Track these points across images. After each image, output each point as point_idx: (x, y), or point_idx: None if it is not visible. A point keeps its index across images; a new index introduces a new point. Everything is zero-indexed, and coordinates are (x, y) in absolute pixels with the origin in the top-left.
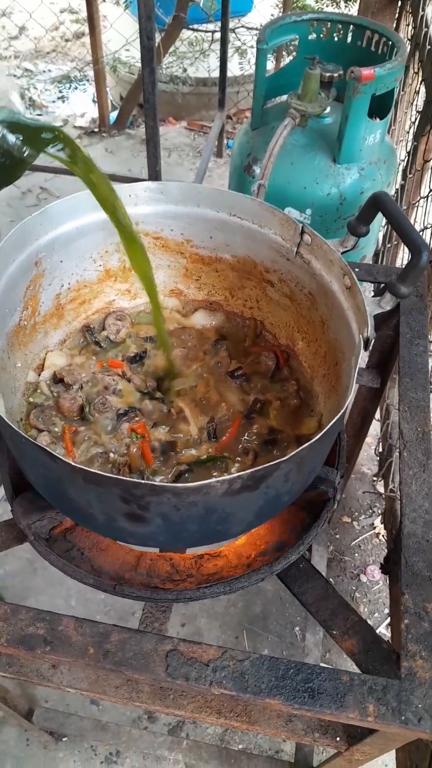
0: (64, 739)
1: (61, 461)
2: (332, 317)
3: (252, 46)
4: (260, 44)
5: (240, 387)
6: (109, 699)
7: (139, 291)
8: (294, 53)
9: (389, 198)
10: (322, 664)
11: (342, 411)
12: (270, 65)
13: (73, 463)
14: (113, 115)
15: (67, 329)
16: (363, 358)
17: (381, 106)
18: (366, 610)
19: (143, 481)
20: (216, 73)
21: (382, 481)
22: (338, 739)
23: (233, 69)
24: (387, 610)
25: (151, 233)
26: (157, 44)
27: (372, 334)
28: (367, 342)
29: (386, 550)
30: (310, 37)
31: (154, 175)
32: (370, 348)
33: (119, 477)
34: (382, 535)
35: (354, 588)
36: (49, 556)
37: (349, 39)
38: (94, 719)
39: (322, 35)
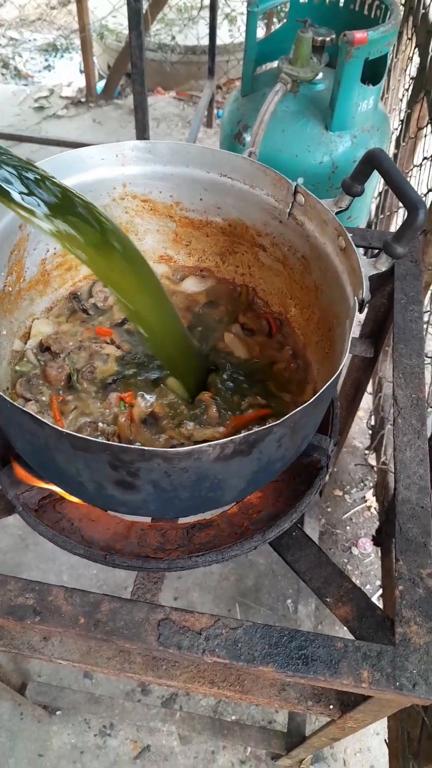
0: (58, 712)
1: (48, 427)
2: (326, 281)
3: (242, 13)
4: (251, 7)
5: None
6: (101, 670)
7: None
8: (285, 19)
9: (384, 155)
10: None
11: (336, 374)
12: (261, 32)
13: (60, 429)
14: (100, 85)
15: (53, 296)
16: (357, 326)
17: (374, 72)
18: (358, 582)
19: (132, 446)
20: (205, 41)
21: (374, 454)
22: (331, 707)
23: (223, 36)
24: (379, 582)
25: (139, 195)
26: (144, 11)
27: (367, 295)
28: (362, 304)
29: (378, 523)
30: (301, 1)
31: None
32: (365, 313)
33: (107, 442)
34: (374, 508)
35: (346, 561)
36: (38, 527)
37: (341, 2)
38: (87, 692)
39: None
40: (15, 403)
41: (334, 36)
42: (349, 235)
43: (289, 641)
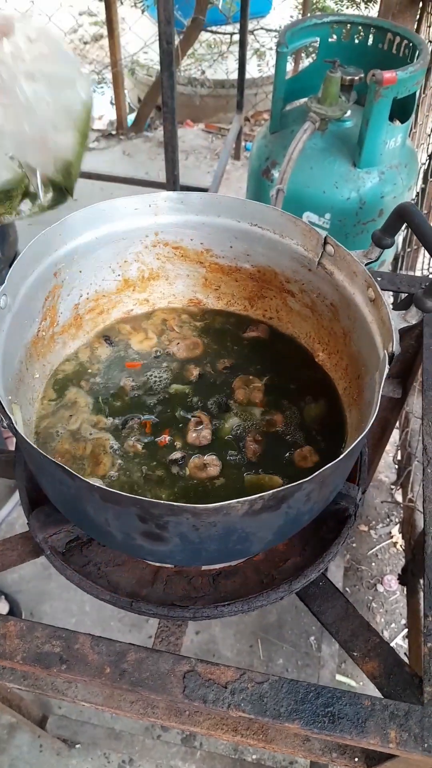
0: (77, 746)
1: (78, 479)
2: (355, 329)
3: (271, 48)
4: (280, 47)
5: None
6: (124, 714)
7: (157, 300)
8: (313, 55)
9: (415, 209)
10: (338, 677)
11: (366, 430)
12: (289, 67)
13: (90, 482)
14: (131, 118)
15: (85, 339)
16: None
17: (402, 109)
18: (383, 620)
19: (161, 501)
20: (234, 75)
21: (400, 490)
22: (356, 759)
23: (251, 71)
24: (404, 621)
25: (171, 243)
26: (175, 47)
27: (397, 349)
28: (392, 357)
29: (404, 560)
30: (330, 40)
31: (172, 179)
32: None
33: (137, 497)
34: (400, 545)
35: (371, 598)
36: (65, 570)
37: (370, 41)
38: (107, 728)
39: (342, 37)
40: (46, 454)
41: (362, 75)
42: (379, 287)
43: (316, 698)
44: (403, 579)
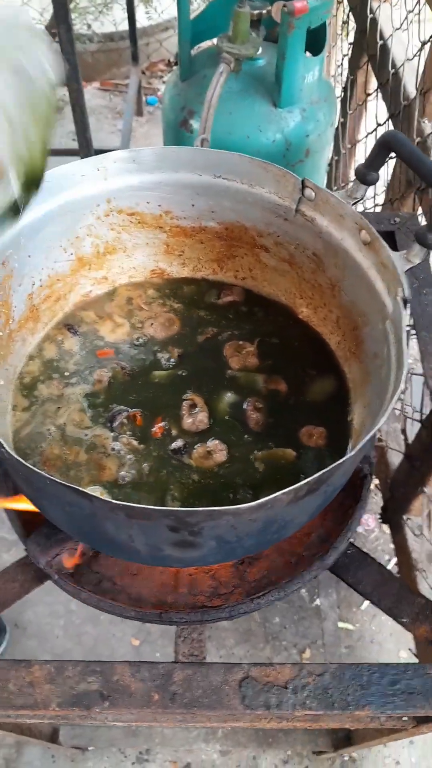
0: (91, 748)
1: (97, 500)
2: (345, 278)
3: None
4: None
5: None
6: (159, 724)
7: (116, 276)
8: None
9: (403, 136)
10: (340, 624)
11: (396, 395)
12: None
13: (114, 502)
14: None
15: (44, 332)
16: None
17: (314, 41)
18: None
19: (200, 509)
20: (122, 26)
21: None
22: (405, 719)
23: (140, 19)
24: (388, 557)
25: (125, 209)
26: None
27: (408, 293)
28: (405, 302)
29: (382, 500)
30: None
31: (85, 143)
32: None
33: (171, 508)
34: (375, 485)
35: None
36: (80, 594)
37: None
38: (123, 727)
39: None
40: (55, 478)
41: (269, 7)
42: (374, 229)
43: (381, 677)
44: (384, 517)
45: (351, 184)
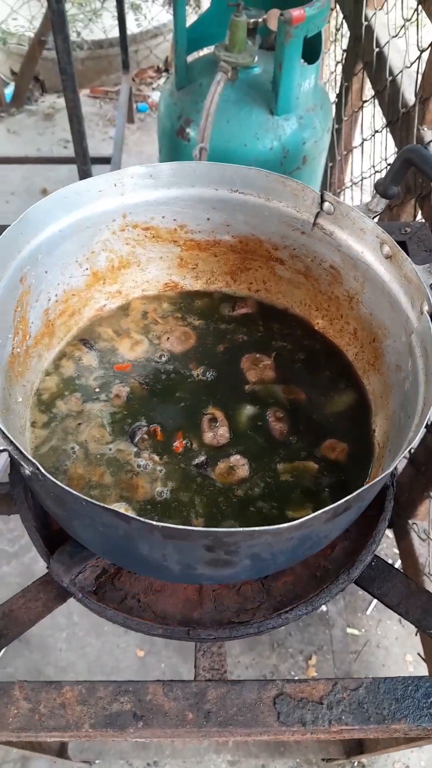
0: (97, 761)
1: (134, 521)
2: (365, 291)
3: (146, 0)
4: None
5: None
6: (192, 741)
7: (130, 290)
8: (196, 7)
9: (425, 151)
10: (349, 630)
11: (429, 409)
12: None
13: (152, 522)
14: (7, 93)
15: (59, 347)
16: None
17: (310, 49)
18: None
19: (238, 530)
20: (112, 34)
21: None
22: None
23: (130, 26)
24: (390, 561)
25: (140, 224)
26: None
27: None
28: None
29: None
30: None
31: (82, 152)
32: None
33: (209, 529)
34: None
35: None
36: (106, 612)
37: None
38: (132, 741)
39: None
40: (94, 501)
41: (264, 16)
42: (396, 243)
43: (415, 690)
44: (389, 522)
45: (371, 199)
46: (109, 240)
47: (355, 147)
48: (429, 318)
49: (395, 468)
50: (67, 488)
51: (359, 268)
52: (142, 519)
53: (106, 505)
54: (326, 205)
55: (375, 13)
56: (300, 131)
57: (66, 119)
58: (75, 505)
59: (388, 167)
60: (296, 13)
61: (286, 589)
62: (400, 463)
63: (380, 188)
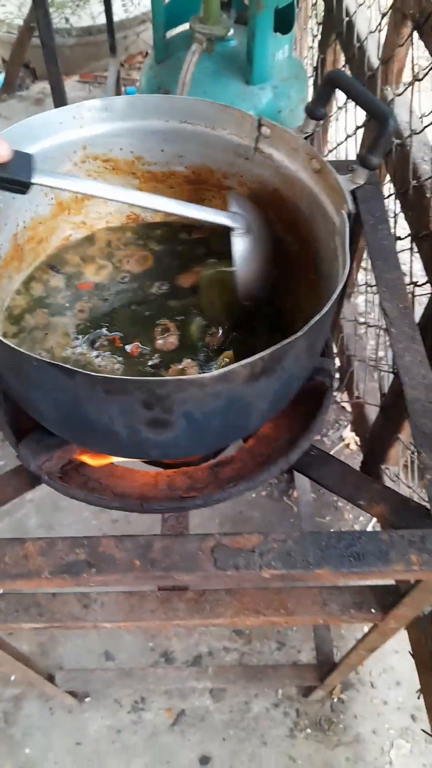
0: (87, 699)
1: (80, 375)
2: (301, 208)
3: None
4: None
5: None
6: (147, 624)
7: (94, 221)
8: None
9: (344, 74)
10: (317, 518)
11: (340, 286)
12: None
13: (94, 374)
14: None
15: (28, 271)
16: None
17: (284, 21)
18: (351, 516)
19: (169, 378)
20: (100, 20)
21: (345, 394)
22: (373, 611)
23: (117, 13)
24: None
25: (100, 156)
26: None
27: (352, 208)
28: (350, 215)
29: (362, 455)
30: None
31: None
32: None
33: (144, 378)
34: (355, 442)
35: (335, 498)
36: (69, 490)
37: None
38: (117, 669)
39: None
40: (42, 358)
41: None
42: (322, 156)
43: (338, 542)
44: (364, 470)
45: (304, 122)
46: (72, 171)
47: (330, 116)
48: (346, 216)
49: (332, 371)
50: (21, 350)
51: (296, 186)
52: (84, 371)
53: (52, 361)
54: (264, 129)
55: None
56: (275, 100)
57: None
58: (29, 368)
59: (357, 129)
60: None
61: (233, 473)
62: (372, 412)
63: (309, 111)
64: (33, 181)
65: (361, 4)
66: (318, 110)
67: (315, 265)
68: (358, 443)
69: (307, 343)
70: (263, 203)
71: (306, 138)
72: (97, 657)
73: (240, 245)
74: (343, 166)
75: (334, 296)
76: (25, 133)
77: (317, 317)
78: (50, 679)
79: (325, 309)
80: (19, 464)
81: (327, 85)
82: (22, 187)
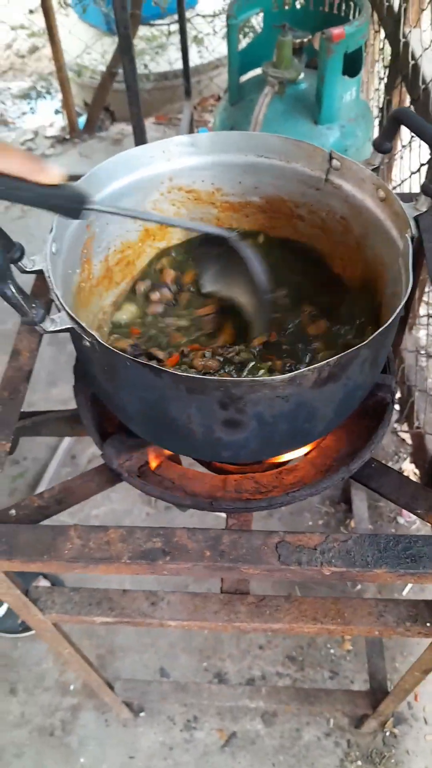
0: (142, 714)
1: (166, 373)
2: (368, 234)
3: (208, 34)
4: (230, 19)
5: None
6: (209, 626)
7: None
8: (250, 34)
9: (410, 111)
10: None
11: (403, 301)
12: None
13: (179, 373)
14: (80, 121)
15: (116, 291)
16: None
17: (352, 64)
18: None
19: (243, 378)
20: (176, 65)
21: (405, 425)
22: (429, 624)
23: (192, 58)
24: None
25: (184, 187)
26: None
27: (415, 232)
28: (413, 239)
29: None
30: (274, 9)
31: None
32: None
33: (222, 378)
34: (415, 473)
35: (393, 530)
36: (146, 487)
37: (311, 6)
38: (173, 682)
39: (285, 5)
40: (135, 359)
41: (310, 37)
42: (388, 186)
43: (396, 544)
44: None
45: (372, 155)
46: (158, 200)
47: (395, 154)
48: (410, 240)
49: (393, 387)
50: (115, 350)
51: (363, 214)
52: (171, 371)
53: (144, 362)
54: (334, 162)
55: (411, 30)
56: (342, 139)
57: (132, 143)
58: (121, 368)
59: (421, 166)
60: (336, 31)
61: (296, 479)
62: None
63: (375, 144)
64: (87, 207)
65: (426, 48)
66: (384, 144)
67: (377, 288)
68: (418, 475)
69: (371, 353)
70: (330, 228)
71: (372, 170)
72: (153, 673)
73: (242, 245)
74: (407, 198)
75: (399, 309)
76: (119, 165)
77: (381, 329)
78: (110, 687)
79: (389, 321)
80: (102, 463)
81: (393, 121)
82: (75, 210)
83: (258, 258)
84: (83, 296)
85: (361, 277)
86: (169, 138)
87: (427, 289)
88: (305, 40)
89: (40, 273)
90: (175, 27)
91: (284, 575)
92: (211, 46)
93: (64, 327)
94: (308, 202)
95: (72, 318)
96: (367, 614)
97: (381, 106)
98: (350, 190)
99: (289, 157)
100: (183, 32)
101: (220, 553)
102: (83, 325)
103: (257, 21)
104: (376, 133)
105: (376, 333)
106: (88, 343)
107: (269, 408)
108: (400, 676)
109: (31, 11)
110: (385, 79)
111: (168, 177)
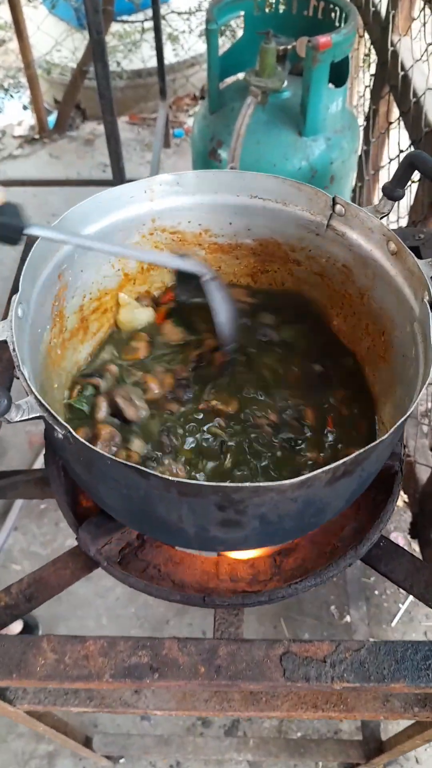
0: (121, 760)
1: (153, 477)
2: (375, 287)
3: (183, 32)
4: (210, 24)
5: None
6: (200, 713)
7: (158, 290)
8: (227, 32)
9: (427, 156)
10: (363, 579)
11: (424, 385)
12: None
13: (169, 478)
14: (50, 120)
15: (92, 342)
16: None
17: (338, 73)
18: None
19: (245, 485)
20: (150, 63)
21: None
22: None
23: (167, 56)
24: None
25: (168, 228)
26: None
27: None
28: (431, 304)
29: (411, 514)
30: (255, 13)
31: (119, 172)
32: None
33: (219, 484)
34: (404, 500)
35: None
36: (128, 579)
37: (294, 10)
38: (155, 736)
39: (267, 9)
40: (117, 459)
41: (294, 43)
42: (400, 239)
43: (414, 653)
44: (413, 533)
45: (379, 201)
46: (140, 243)
47: (383, 167)
48: (429, 306)
49: (403, 455)
50: (94, 448)
51: (369, 266)
52: (159, 474)
53: (128, 462)
54: (338, 207)
55: (400, 39)
56: (328, 152)
57: (105, 144)
58: (101, 465)
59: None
60: (323, 39)
61: (297, 564)
62: (425, 474)
63: (387, 191)
64: (26, 231)
65: (417, 60)
66: (396, 191)
67: (387, 343)
68: (406, 501)
69: (390, 442)
70: (330, 275)
71: (381, 218)
72: (132, 717)
73: (215, 288)
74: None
75: (414, 402)
76: (96, 207)
77: (403, 417)
78: (87, 742)
79: (411, 409)
80: (76, 544)
81: (407, 166)
82: (13, 234)
83: (228, 302)
84: (55, 355)
85: (366, 330)
86: (153, 177)
87: None
88: (289, 47)
89: (2, 343)
90: (149, 24)
91: (289, 690)
92: (187, 44)
93: (32, 416)
94: (307, 246)
95: (42, 405)
96: (372, 699)
97: (366, 113)
98: (355, 238)
99: (287, 200)
100: (157, 29)
101: (216, 669)
102: (54, 414)
103: (236, 23)
104: (362, 144)
105: (399, 422)
106: (60, 436)
107: (274, 509)
108: (392, 723)
109: None
110: (371, 87)
111: (150, 218)
